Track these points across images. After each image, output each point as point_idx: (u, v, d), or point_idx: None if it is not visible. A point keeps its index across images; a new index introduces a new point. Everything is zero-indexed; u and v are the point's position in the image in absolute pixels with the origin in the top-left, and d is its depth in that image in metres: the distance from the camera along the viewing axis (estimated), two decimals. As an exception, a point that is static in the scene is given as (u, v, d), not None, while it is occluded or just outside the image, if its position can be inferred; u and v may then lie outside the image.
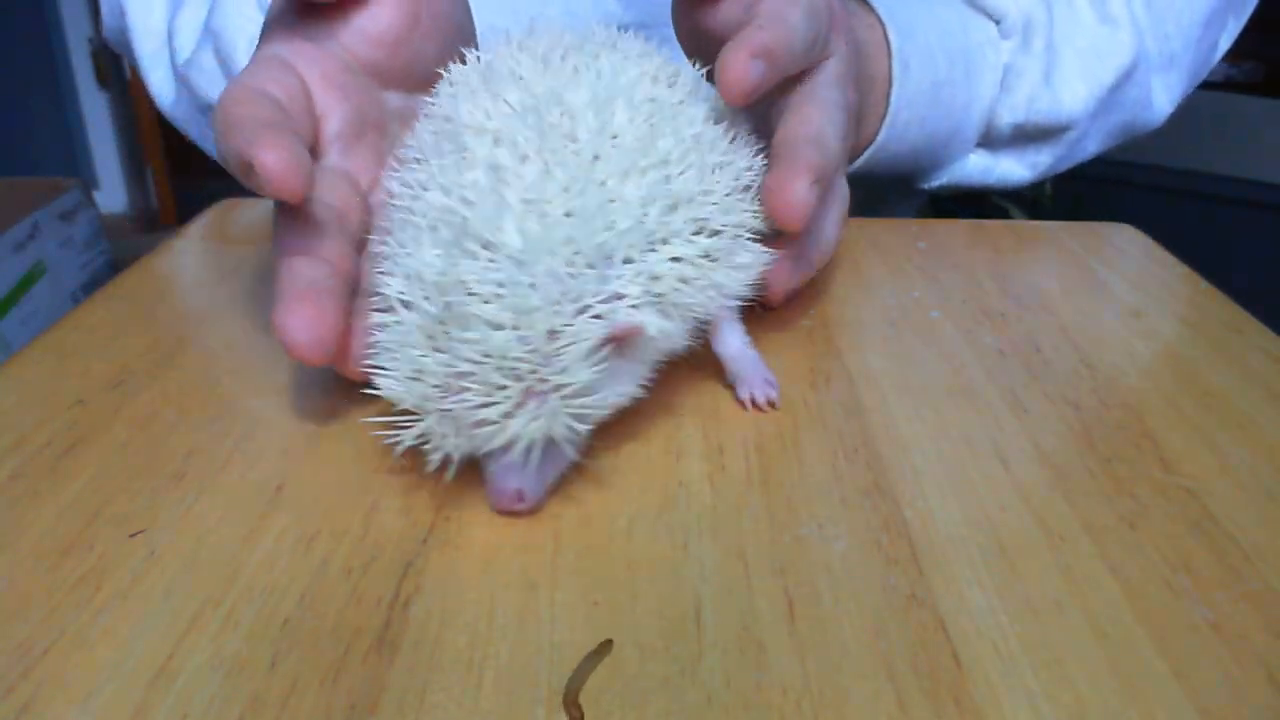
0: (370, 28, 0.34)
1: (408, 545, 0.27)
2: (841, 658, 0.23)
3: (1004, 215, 0.76)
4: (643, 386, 0.30)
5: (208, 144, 0.59)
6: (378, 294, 0.29)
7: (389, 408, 0.27)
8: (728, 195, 0.31)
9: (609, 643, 0.23)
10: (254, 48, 0.35)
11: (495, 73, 0.32)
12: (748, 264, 0.31)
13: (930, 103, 0.48)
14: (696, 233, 0.29)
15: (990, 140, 0.53)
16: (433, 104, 0.33)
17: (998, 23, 0.51)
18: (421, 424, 0.27)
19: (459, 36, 0.37)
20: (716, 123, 0.32)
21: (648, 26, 0.55)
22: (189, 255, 0.46)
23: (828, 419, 0.33)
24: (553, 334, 0.26)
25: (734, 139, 0.32)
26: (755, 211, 0.32)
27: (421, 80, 0.35)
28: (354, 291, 0.31)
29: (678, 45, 0.40)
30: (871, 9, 0.48)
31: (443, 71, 0.34)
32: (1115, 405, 0.34)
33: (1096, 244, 0.48)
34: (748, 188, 0.32)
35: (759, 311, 0.35)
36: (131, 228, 2.42)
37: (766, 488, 0.29)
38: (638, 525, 0.27)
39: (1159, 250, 0.47)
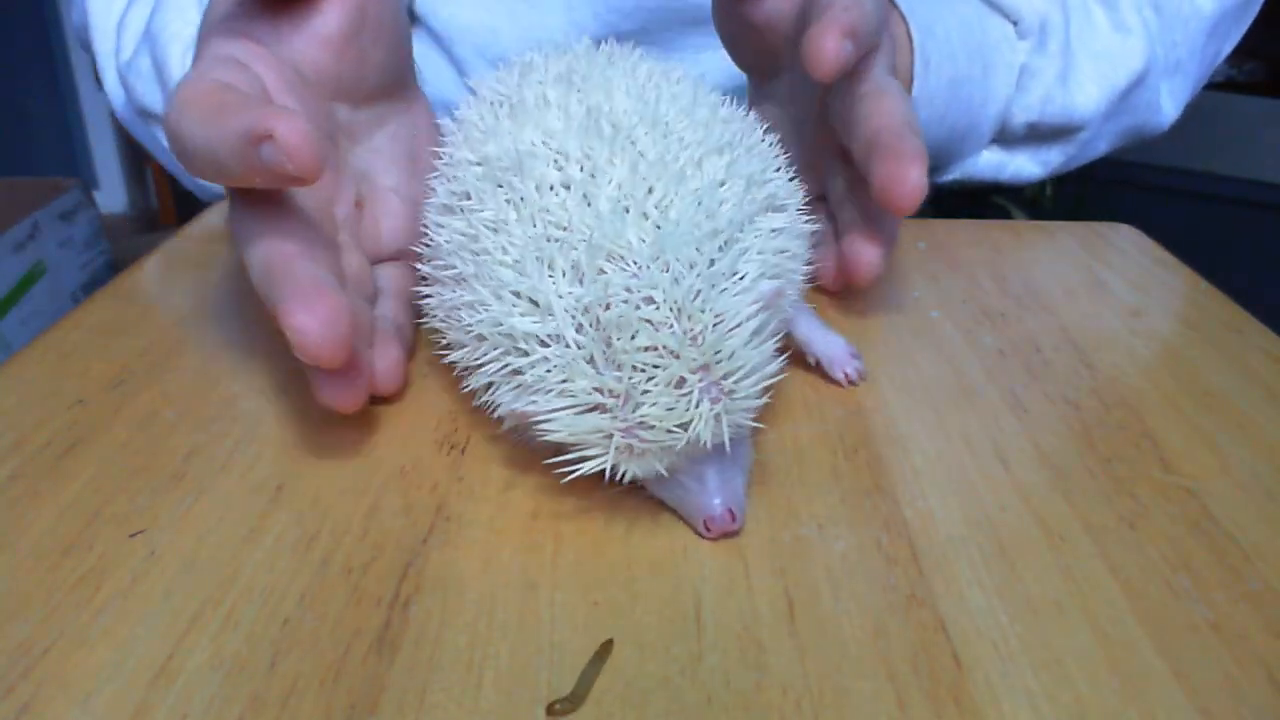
0: (319, 29, 0.33)
1: (408, 545, 0.27)
2: (841, 658, 0.23)
3: (1004, 215, 0.76)
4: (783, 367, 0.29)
5: (157, 149, 0.57)
6: (465, 344, 0.28)
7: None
8: (777, 172, 0.32)
9: (609, 643, 0.23)
10: (189, 53, 0.34)
11: (524, 104, 0.31)
12: (808, 233, 0.33)
13: (949, 99, 0.48)
14: (768, 209, 0.31)
15: (1004, 137, 0.53)
16: (450, 154, 0.32)
17: (1015, 23, 0.51)
18: (601, 456, 0.26)
19: (401, 47, 0.37)
20: (726, 112, 0.33)
21: (650, 32, 0.55)
22: (189, 255, 0.46)
23: (828, 419, 0.33)
24: (716, 319, 0.26)
25: (746, 125, 0.33)
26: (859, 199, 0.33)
27: (368, 92, 0.35)
28: (360, 296, 0.31)
29: (676, 53, 0.40)
30: (894, 5, 0.48)
31: (445, 120, 0.34)
32: (1115, 405, 0.34)
33: (1096, 244, 0.48)
34: (782, 166, 0.33)
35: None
36: (131, 228, 2.42)
37: (766, 488, 0.29)
38: (638, 525, 0.27)
39: (1159, 250, 0.47)
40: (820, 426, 0.32)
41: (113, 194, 2.48)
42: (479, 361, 0.28)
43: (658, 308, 0.25)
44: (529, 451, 0.29)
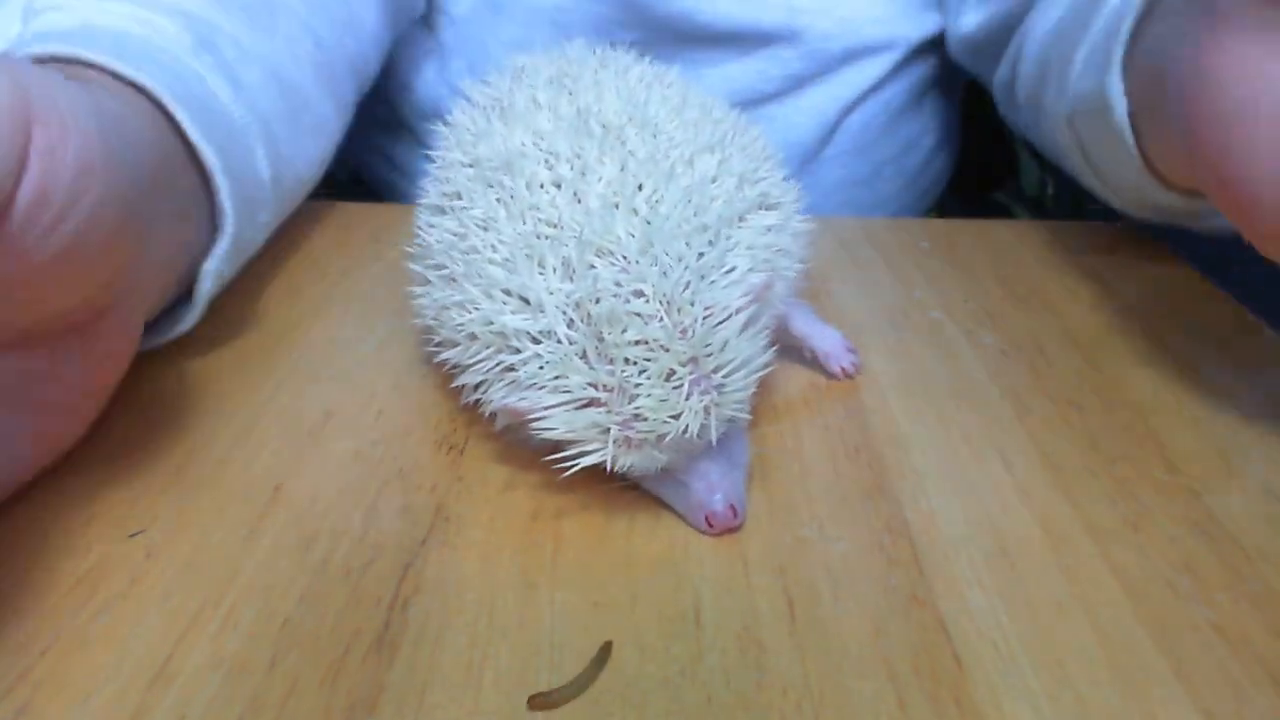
0: None
1: (408, 545, 0.27)
2: (841, 658, 0.23)
3: (1006, 214, 0.76)
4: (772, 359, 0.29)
5: None
6: (457, 343, 0.28)
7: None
8: (771, 171, 0.32)
9: (609, 645, 0.23)
10: None
11: (515, 107, 0.31)
12: (803, 231, 0.33)
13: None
14: (760, 207, 0.31)
15: None
16: (442, 156, 0.33)
17: None
18: (599, 450, 0.26)
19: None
20: (719, 113, 0.33)
21: (653, 41, 0.56)
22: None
23: (828, 419, 0.33)
24: (705, 312, 0.26)
25: (738, 125, 0.33)
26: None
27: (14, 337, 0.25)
28: None
29: (671, 60, 0.39)
30: None
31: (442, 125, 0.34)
32: (1118, 405, 0.34)
33: (1099, 243, 0.48)
34: (776, 166, 0.33)
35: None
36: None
37: (766, 488, 0.29)
38: (638, 525, 0.27)
39: (1161, 249, 0.47)
40: (821, 426, 0.32)
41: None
42: (471, 361, 0.28)
43: (647, 301, 0.25)
44: (527, 451, 0.29)
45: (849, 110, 0.61)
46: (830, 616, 0.24)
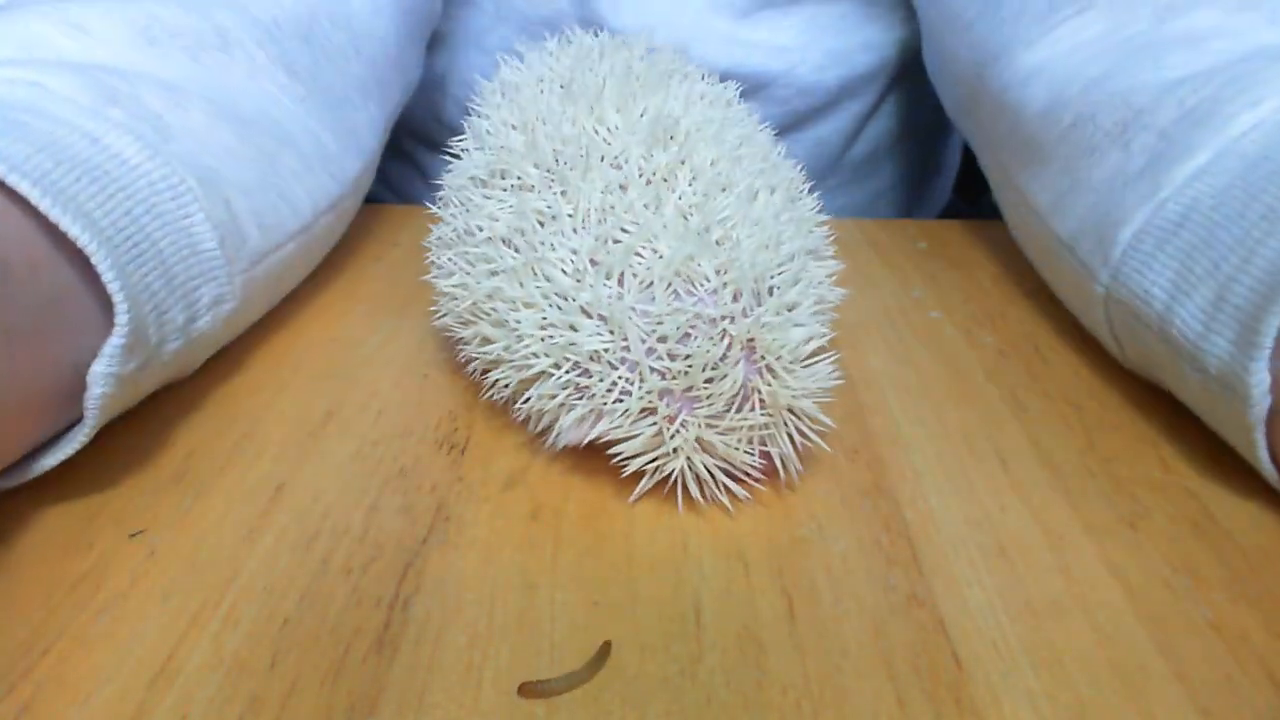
0: None
1: (408, 545, 0.27)
2: (841, 658, 0.23)
3: (1004, 215, 0.76)
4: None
5: None
6: (497, 339, 0.28)
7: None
8: (819, 225, 0.33)
9: (608, 645, 0.23)
10: None
11: (577, 87, 0.31)
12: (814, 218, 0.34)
13: None
14: (811, 255, 0.31)
15: None
16: (489, 115, 0.32)
17: None
18: (671, 461, 0.27)
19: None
20: (777, 157, 0.34)
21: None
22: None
23: (828, 419, 0.32)
24: (769, 288, 0.26)
25: (795, 172, 0.34)
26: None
27: None
28: None
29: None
30: None
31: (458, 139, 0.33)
32: (1115, 405, 0.34)
33: (1097, 244, 0.48)
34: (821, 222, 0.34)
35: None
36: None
37: (766, 487, 0.29)
38: (638, 525, 0.27)
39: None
40: (821, 426, 0.32)
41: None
42: (531, 372, 0.27)
43: (724, 335, 0.26)
44: (529, 450, 0.29)
45: (852, 140, 0.62)
46: (830, 616, 0.24)
